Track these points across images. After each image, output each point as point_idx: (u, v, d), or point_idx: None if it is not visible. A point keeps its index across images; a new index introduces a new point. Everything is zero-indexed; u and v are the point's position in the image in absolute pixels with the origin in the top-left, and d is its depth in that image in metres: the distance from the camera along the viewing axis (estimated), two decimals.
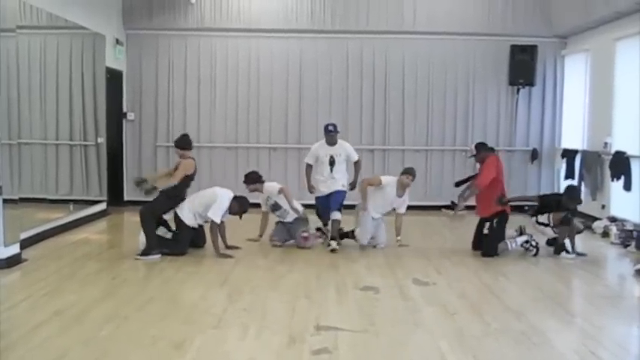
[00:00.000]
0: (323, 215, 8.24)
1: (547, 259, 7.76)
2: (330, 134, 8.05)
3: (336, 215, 7.85)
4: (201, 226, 7.63)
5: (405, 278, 6.50)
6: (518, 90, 11.40)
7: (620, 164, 8.96)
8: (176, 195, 7.44)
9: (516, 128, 11.44)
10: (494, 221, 7.62)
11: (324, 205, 8.16)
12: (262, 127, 11.40)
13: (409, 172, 7.96)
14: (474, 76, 11.46)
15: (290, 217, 8.00)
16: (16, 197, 6.94)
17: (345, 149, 8.19)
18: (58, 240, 8.15)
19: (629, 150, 8.86)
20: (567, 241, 7.66)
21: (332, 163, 8.04)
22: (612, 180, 9.17)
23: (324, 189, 8.14)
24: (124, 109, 11.33)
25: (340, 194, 8.08)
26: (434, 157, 11.48)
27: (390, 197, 7.91)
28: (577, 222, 7.80)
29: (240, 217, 7.52)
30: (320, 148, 8.18)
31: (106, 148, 10.16)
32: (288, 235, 8.05)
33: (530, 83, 11.28)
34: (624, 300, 6.12)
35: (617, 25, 9.36)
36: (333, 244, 7.72)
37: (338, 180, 8.08)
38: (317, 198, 8.30)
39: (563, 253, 7.59)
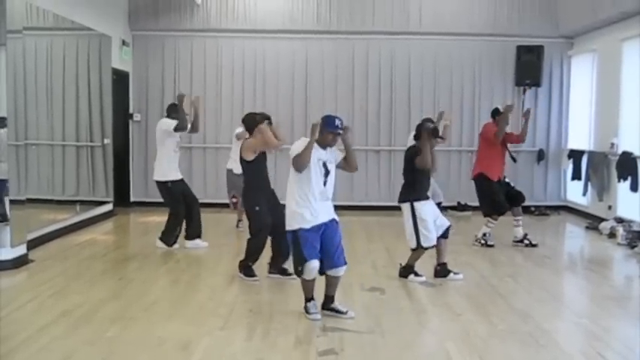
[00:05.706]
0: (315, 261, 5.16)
1: (555, 261, 7.75)
2: (337, 132, 5.24)
3: (340, 272, 5.31)
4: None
5: (411, 279, 6.49)
6: (524, 90, 11.35)
7: (626, 165, 8.93)
8: None
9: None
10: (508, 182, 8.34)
11: (315, 242, 5.13)
12: None
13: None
14: (480, 77, 11.42)
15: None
16: (23, 198, 6.98)
17: (334, 154, 5.38)
18: (65, 241, 8.17)
19: (636, 150, 8.81)
20: None
21: (326, 173, 5.27)
22: (619, 181, 9.13)
23: (318, 214, 5.16)
24: (131, 110, 11.35)
25: (339, 229, 5.36)
26: (440, 157, 11.37)
27: None
28: None
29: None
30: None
31: (112, 149, 10.19)
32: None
33: (537, 84, 11.24)
34: (631, 301, 6.08)
35: (623, 25, 9.32)
36: (350, 312, 5.28)
37: (330, 201, 5.34)
38: (302, 231, 5.13)
39: None
